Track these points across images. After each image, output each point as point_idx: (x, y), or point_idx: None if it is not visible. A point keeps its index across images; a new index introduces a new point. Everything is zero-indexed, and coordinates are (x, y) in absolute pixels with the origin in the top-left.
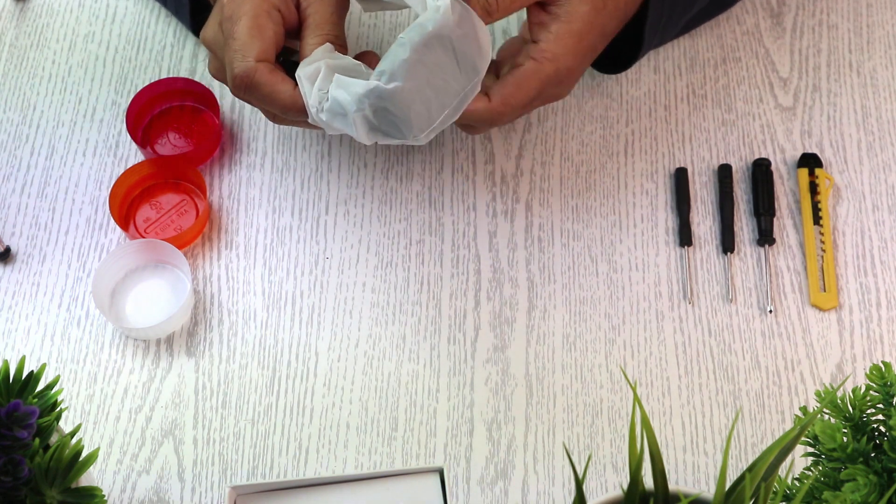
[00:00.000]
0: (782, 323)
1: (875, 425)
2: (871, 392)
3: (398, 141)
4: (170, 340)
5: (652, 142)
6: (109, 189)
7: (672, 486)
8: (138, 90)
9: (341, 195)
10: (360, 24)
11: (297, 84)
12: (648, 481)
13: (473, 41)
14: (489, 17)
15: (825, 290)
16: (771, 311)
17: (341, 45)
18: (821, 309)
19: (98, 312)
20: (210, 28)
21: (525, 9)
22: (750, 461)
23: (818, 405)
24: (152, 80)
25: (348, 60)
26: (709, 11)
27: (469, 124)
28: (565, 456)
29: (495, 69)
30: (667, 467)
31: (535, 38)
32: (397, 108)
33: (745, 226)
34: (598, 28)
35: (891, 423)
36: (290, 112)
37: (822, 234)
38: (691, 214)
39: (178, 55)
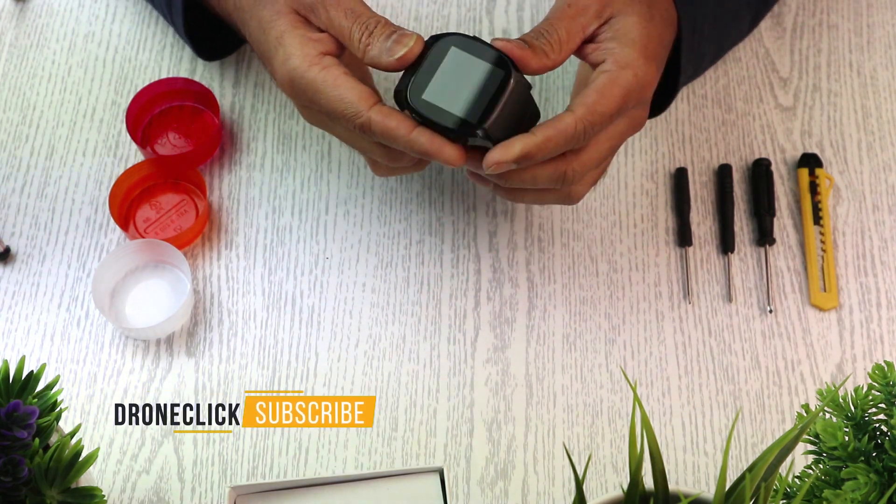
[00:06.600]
0: (782, 323)
1: (877, 424)
2: (874, 391)
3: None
4: (170, 340)
5: (652, 142)
6: (109, 189)
7: (672, 486)
8: (138, 90)
9: (341, 195)
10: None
11: (413, 123)
12: (648, 481)
13: None
14: (547, 62)
15: (825, 290)
16: (771, 311)
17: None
18: (821, 309)
19: (98, 312)
20: (308, 116)
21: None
22: (750, 461)
23: (819, 404)
24: (152, 80)
25: None
26: (739, 33)
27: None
28: (565, 456)
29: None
30: (667, 467)
31: (600, 60)
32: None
33: (744, 226)
34: (656, 37)
35: (892, 422)
36: (409, 148)
37: (822, 234)
38: (691, 214)
39: (178, 55)
